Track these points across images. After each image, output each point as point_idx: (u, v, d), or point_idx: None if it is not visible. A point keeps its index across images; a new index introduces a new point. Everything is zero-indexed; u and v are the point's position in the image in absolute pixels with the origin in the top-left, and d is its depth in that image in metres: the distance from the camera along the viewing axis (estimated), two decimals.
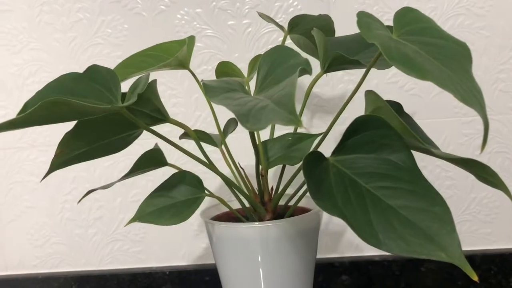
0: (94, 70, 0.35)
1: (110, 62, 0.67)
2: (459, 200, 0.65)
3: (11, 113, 0.69)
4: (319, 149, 0.39)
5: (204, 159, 0.41)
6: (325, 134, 0.40)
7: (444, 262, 0.64)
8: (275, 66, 0.31)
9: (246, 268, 0.42)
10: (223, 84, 0.30)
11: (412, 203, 0.30)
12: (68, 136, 0.38)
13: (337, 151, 0.34)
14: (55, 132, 0.68)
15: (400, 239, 0.29)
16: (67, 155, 0.38)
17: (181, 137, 0.47)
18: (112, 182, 0.44)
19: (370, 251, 0.67)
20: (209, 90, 0.29)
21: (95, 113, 0.32)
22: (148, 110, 0.38)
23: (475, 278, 0.28)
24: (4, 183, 0.69)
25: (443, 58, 0.30)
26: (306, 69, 0.28)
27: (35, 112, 0.28)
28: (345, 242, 0.67)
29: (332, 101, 0.65)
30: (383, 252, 0.67)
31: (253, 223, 0.41)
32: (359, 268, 0.66)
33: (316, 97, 0.65)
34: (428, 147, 0.32)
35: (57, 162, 0.38)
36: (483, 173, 0.32)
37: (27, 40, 0.68)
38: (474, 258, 0.64)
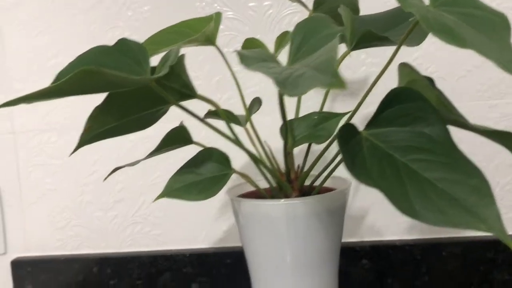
0: (123, 44, 0.35)
1: None
2: None
3: None
4: None
5: (232, 136, 0.41)
6: (353, 113, 0.40)
7: (466, 246, 0.64)
8: (308, 37, 0.30)
9: (272, 246, 0.42)
10: (257, 54, 0.30)
11: (448, 175, 0.30)
12: (97, 111, 0.38)
13: (370, 124, 0.33)
14: (76, 115, 0.68)
15: (437, 211, 0.28)
16: (96, 130, 0.38)
17: (206, 116, 0.47)
18: (139, 160, 0.44)
19: (390, 235, 0.67)
20: (245, 59, 0.29)
21: (126, 85, 0.32)
22: (177, 85, 0.38)
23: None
24: (25, 166, 0.70)
25: (481, 27, 0.30)
26: (344, 37, 0.27)
27: (70, 81, 0.28)
28: (365, 226, 0.67)
29: (356, 83, 0.65)
30: (404, 237, 0.66)
31: (279, 200, 0.41)
32: (380, 252, 0.65)
33: None
34: (464, 120, 0.32)
35: (86, 138, 0.38)
36: None
37: (47, 23, 0.68)
38: (498, 243, 0.63)
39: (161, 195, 0.40)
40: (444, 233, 0.66)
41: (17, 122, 0.69)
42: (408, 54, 0.64)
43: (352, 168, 0.30)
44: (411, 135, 0.32)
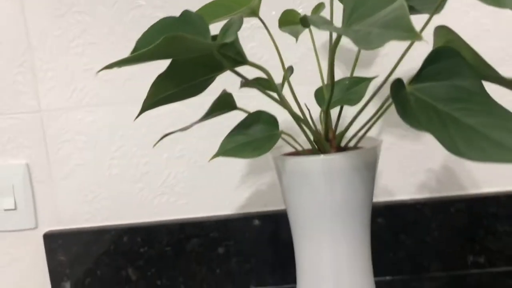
0: (187, 15, 0.38)
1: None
2: None
3: (59, 75, 0.71)
4: (375, 97, 0.44)
5: (277, 98, 0.45)
6: (389, 75, 0.44)
7: (471, 203, 0.70)
8: (362, 1, 0.34)
9: (312, 199, 0.47)
10: (320, 18, 0.34)
11: (487, 120, 0.34)
12: (160, 78, 0.41)
13: (414, 80, 0.38)
14: (99, 93, 0.71)
15: (479, 150, 0.33)
16: (157, 96, 0.41)
17: (242, 85, 0.51)
18: (191, 124, 0.47)
19: (402, 195, 0.72)
20: (313, 21, 0.33)
21: (199, 50, 0.36)
22: (232, 53, 0.42)
23: None
24: (54, 143, 0.73)
25: None
26: None
27: (158, 46, 0.32)
28: (379, 188, 0.72)
29: (369, 53, 0.69)
30: (415, 196, 0.72)
31: (320, 155, 0.45)
32: (392, 210, 0.71)
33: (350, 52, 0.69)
34: (498, 75, 0.36)
35: (149, 103, 0.41)
36: None
37: (71, 2, 0.70)
38: (499, 198, 0.69)
39: (216, 155, 0.44)
40: (451, 191, 0.72)
41: (43, 101, 0.72)
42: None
43: (404, 116, 0.35)
44: (451, 88, 0.36)
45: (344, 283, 0.48)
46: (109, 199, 0.73)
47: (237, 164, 0.72)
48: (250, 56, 0.70)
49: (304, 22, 0.33)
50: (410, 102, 0.36)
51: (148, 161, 0.73)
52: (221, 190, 0.73)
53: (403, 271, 0.71)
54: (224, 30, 0.38)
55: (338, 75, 0.68)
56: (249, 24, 0.69)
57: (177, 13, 0.41)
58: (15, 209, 0.73)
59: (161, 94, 0.41)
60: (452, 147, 0.33)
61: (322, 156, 0.45)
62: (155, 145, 0.65)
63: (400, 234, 0.71)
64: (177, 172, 0.73)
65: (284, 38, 0.65)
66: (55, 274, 0.74)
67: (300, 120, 0.46)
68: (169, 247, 0.72)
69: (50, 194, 0.73)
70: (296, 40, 0.54)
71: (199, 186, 0.73)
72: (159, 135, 0.72)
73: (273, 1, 0.68)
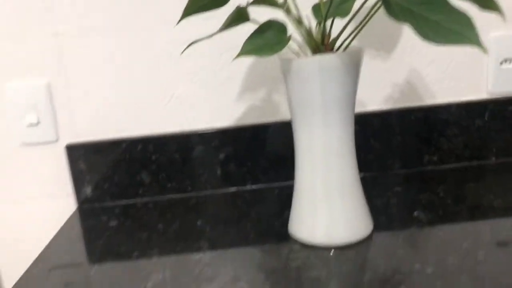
0: None
1: None
2: None
3: (77, 0, 0.80)
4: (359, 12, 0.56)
5: (283, 5, 0.57)
6: None
7: (428, 112, 0.85)
8: None
9: (309, 94, 0.60)
10: None
11: (447, 17, 0.48)
12: None
13: None
14: (113, 16, 0.80)
15: (443, 37, 0.47)
16: (198, 3, 0.52)
17: (248, 4, 0.62)
18: (214, 33, 0.58)
19: (372, 106, 0.87)
20: None
21: None
22: None
23: (485, 52, 0.46)
24: (72, 62, 0.82)
25: None
26: None
27: None
28: None
29: None
30: (382, 107, 0.86)
31: (317, 55, 0.58)
32: (364, 119, 0.85)
33: None
34: None
35: (188, 12, 0.52)
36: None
37: None
38: (450, 107, 0.85)
39: (240, 54, 0.55)
40: (411, 102, 0.87)
41: (60, 26, 0.80)
42: None
43: (390, 15, 0.48)
44: None
45: (332, 161, 0.62)
46: (122, 113, 0.84)
47: (236, 82, 0.84)
48: None
49: None
50: (392, 6, 0.49)
51: (158, 78, 0.83)
52: (221, 105, 0.85)
53: (372, 169, 0.87)
54: None
55: None
56: None
57: None
58: (37, 124, 0.83)
59: (198, 3, 0.52)
60: (425, 36, 0.47)
61: (318, 57, 0.58)
62: (182, 52, 0.75)
63: (370, 139, 0.86)
64: (183, 88, 0.84)
65: None
66: (77, 180, 0.84)
67: (302, 28, 0.58)
68: (177, 154, 0.84)
69: (69, 110, 0.83)
70: None
71: (202, 101, 0.84)
72: (168, 56, 0.82)
73: None
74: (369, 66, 0.85)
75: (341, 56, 0.57)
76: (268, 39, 0.56)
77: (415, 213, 0.69)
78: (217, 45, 0.82)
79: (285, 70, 0.61)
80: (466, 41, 0.47)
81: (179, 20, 0.54)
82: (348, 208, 0.62)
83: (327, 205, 0.62)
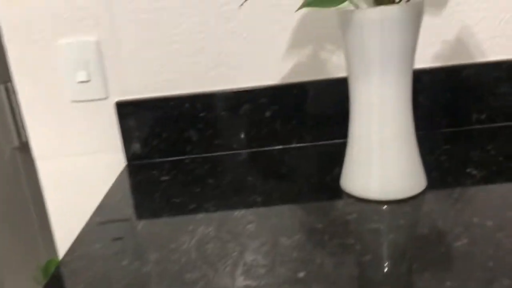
0: None
1: None
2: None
3: None
4: None
5: None
6: None
7: (480, 68, 0.83)
8: None
9: (369, 45, 0.59)
10: None
11: None
12: None
13: None
14: None
15: None
16: None
17: None
18: None
19: (421, 63, 0.85)
20: None
21: None
22: None
23: None
24: (121, 21, 0.82)
25: None
26: None
27: None
28: None
29: None
30: (432, 65, 0.85)
31: (379, 6, 0.57)
32: (414, 77, 0.84)
33: None
34: None
35: None
36: None
37: None
38: (501, 64, 0.83)
39: (302, 6, 0.55)
40: (461, 60, 0.85)
41: None
42: None
43: None
44: None
45: (389, 115, 0.61)
46: (172, 71, 0.85)
47: (282, 40, 0.83)
48: None
49: None
50: None
51: (204, 37, 0.83)
52: (267, 63, 0.85)
53: (420, 126, 0.86)
54: None
55: None
56: None
57: None
58: (88, 81, 0.84)
59: None
60: None
61: (380, 8, 0.57)
62: (241, 5, 0.74)
63: (418, 96, 0.85)
64: (230, 47, 0.84)
65: None
66: (126, 136, 0.86)
67: None
68: (225, 111, 0.85)
69: (119, 68, 0.84)
70: None
71: (249, 60, 0.84)
72: (214, 13, 0.82)
73: None
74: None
75: (404, 8, 0.56)
76: None
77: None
78: (267, 0, 0.81)
79: (344, 23, 0.60)
80: None
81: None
82: (403, 163, 0.62)
83: (382, 160, 0.62)
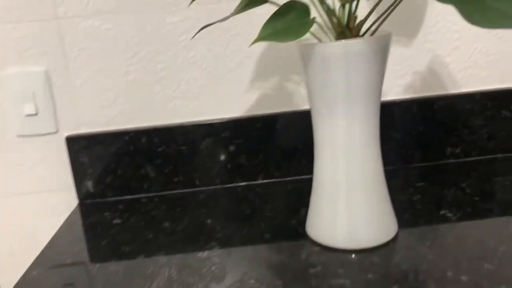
0: None
1: None
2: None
3: None
4: None
5: None
6: None
7: (451, 100, 0.79)
8: None
9: (332, 81, 0.54)
10: None
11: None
12: None
13: None
14: (113, 1, 0.75)
15: (488, 19, 0.42)
16: None
17: None
18: (228, 16, 0.53)
19: (392, 95, 0.81)
20: None
21: None
22: None
23: None
24: (72, 50, 0.76)
25: None
26: None
27: None
28: None
29: None
30: (404, 97, 0.81)
31: (341, 41, 0.52)
32: (385, 109, 0.80)
33: None
34: None
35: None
36: None
37: None
38: (474, 96, 0.80)
39: (257, 40, 0.50)
40: (433, 91, 0.81)
41: (60, 9, 0.75)
42: None
43: None
44: None
45: (356, 155, 0.57)
46: (127, 103, 0.79)
47: (245, 71, 0.79)
48: None
49: None
50: None
51: (163, 67, 0.78)
52: (230, 94, 0.80)
53: (392, 162, 0.82)
54: None
55: None
56: None
57: None
58: (36, 114, 0.78)
59: None
60: (469, 18, 0.41)
61: (344, 41, 0.52)
62: (193, 37, 0.69)
63: (389, 130, 0.81)
64: (190, 77, 0.78)
65: None
66: (78, 174, 0.80)
67: (328, 10, 0.52)
68: (185, 146, 0.79)
69: (70, 99, 0.78)
70: None
71: (209, 91, 0.79)
72: (173, 42, 0.77)
73: None
74: (389, 54, 0.79)
75: (369, 42, 0.52)
76: (290, 22, 0.51)
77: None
78: (228, 29, 0.76)
79: (306, 56, 0.55)
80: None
81: (191, 1, 0.49)
82: (372, 208, 0.57)
83: (349, 204, 0.57)
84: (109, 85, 0.78)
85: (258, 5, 0.54)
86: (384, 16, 0.54)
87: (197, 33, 0.54)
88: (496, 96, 0.80)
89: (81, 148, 0.78)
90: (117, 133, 0.78)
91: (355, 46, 0.52)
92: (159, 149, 0.79)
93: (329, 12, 0.54)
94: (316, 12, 0.58)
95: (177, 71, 0.78)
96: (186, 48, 0.77)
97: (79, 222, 0.73)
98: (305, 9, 0.52)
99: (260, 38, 0.50)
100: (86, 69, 0.77)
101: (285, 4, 0.52)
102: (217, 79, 0.79)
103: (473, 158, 0.82)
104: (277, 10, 0.52)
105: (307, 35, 0.57)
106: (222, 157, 0.80)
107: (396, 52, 0.79)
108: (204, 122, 0.79)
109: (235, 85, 0.79)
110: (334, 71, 0.53)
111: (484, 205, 0.65)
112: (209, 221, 0.69)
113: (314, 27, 0.58)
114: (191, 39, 0.75)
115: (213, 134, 0.79)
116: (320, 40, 0.57)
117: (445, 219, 0.62)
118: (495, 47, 0.80)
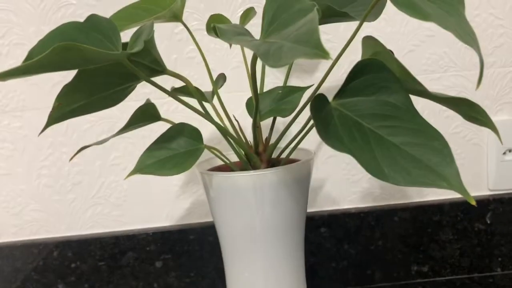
0: (94, 20, 0.35)
1: None
2: None
3: None
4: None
5: (202, 110, 0.42)
6: (319, 86, 0.42)
7: (415, 211, 0.68)
8: (281, 11, 0.32)
9: (242, 216, 0.44)
10: (233, 28, 0.31)
11: (412, 139, 0.32)
12: (67, 89, 0.37)
13: (338, 95, 0.35)
14: (28, 97, 0.67)
15: (404, 172, 0.31)
16: (65, 108, 0.37)
17: (172, 92, 0.48)
18: (107, 138, 0.44)
19: (346, 204, 0.70)
20: (223, 32, 0.30)
21: (101, 61, 0.32)
22: (147, 61, 0.38)
23: (473, 203, 0.30)
24: None
25: (439, 2, 0.32)
26: (319, 11, 0.29)
27: (47, 57, 0.28)
28: (323, 196, 0.70)
29: (307, 60, 0.67)
30: (359, 205, 0.70)
31: (249, 171, 0.42)
32: (337, 220, 0.69)
33: None
34: (423, 89, 0.34)
35: (55, 116, 0.37)
36: (472, 112, 0.35)
37: None
38: (443, 206, 0.69)
39: (133, 172, 0.40)
40: (394, 200, 0.70)
41: None
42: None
43: (325, 136, 0.32)
44: (377, 103, 0.34)
45: None
46: (38, 211, 0.69)
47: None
48: (187, 60, 0.66)
49: (215, 32, 0.30)
50: (333, 118, 0.33)
51: (80, 170, 0.68)
52: (158, 200, 0.69)
53: (347, 281, 0.70)
54: (134, 38, 0.35)
55: (275, 83, 0.65)
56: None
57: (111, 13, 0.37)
58: None
59: (68, 106, 0.37)
60: (376, 170, 0.31)
61: (251, 172, 0.42)
62: (71, 159, 0.60)
63: (343, 245, 0.69)
64: (111, 182, 0.68)
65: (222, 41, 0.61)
66: None
67: (227, 134, 0.43)
68: (103, 262, 0.68)
69: None
70: (230, 45, 0.50)
71: (135, 196, 0.69)
72: (93, 141, 0.67)
73: (210, 4, 0.64)
74: (340, 155, 0.69)
75: (281, 172, 0.42)
76: (176, 149, 0.41)
77: None
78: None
79: (207, 184, 0.45)
80: (439, 183, 0.30)
81: (44, 129, 0.39)
82: None
83: None
84: (16, 190, 0.68)
85: (150, 123, 0.45)
86: (301, 135, 0.44)
87: (74, 155, 0.44)
88: (467, 207, 0.69)
89: None
90: (24, 245, 0.68)
91: (266, 177, 0.42)
92: (73, 265, 0.68)
93: (234, 134, 0.44)
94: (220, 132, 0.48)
95: (96, 174, 0.68)
96: (106, 148, 0.67)
97: None
98: (196, 134, 0.42)
99: (137, 170, 0.40)
100: None
101: (173, 127, 0.42)
102: (141, 184, 0.69)
103: (444, 278, 0.70)
104: (163, 134, 0.42)
105: (209, 154, 0.47)
106: (147, 275, 0.68)
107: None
108: (126, 233, 0.68)
109: (163, 190, 0.69)
110: (241, 206, 0.43)
111: None
112: None
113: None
114: (69, 161, 0.66)
115: (136, 247, 0.68)
116: (226, 159, 0.46)
117: None
118: (466, 151, 0.69)
